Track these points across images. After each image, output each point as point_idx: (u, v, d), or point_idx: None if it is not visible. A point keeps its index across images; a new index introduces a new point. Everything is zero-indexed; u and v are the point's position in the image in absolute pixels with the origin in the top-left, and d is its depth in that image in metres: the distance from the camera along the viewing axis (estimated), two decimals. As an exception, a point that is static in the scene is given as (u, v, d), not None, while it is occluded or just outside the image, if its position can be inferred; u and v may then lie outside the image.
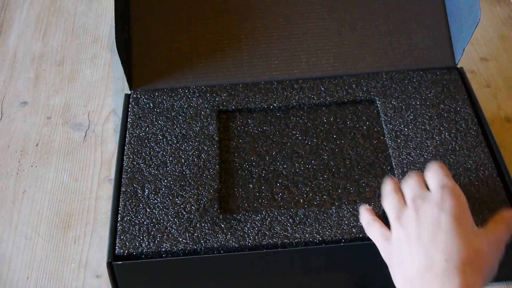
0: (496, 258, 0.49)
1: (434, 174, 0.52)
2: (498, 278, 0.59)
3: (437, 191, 0.50)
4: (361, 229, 0.56)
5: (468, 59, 0.80)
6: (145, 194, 0.60)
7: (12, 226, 0.66)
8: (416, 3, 0.73)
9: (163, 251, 0.56)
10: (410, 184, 0.53)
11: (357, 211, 0.58)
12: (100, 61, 0.82)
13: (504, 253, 0.50)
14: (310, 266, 0.57)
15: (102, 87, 0.79)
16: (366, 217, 0.55)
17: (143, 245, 0.56)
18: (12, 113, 0.77)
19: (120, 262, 0.56)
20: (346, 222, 0.57)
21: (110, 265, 0.55)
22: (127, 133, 0.66)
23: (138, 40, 0.72)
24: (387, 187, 0.55)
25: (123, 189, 0.61)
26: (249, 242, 0.56)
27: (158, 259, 0.56)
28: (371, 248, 0.56)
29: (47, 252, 0.64)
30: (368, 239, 0.56)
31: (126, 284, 0.57)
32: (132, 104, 0.68)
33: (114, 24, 0.66)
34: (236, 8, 0.74)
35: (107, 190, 0.68)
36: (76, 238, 0.65)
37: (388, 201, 0.53)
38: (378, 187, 0.60)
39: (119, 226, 0.58)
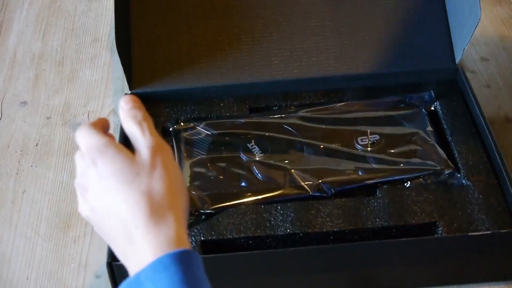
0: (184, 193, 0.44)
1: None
2: (498, 278, 0.60)
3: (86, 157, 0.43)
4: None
5: (468, 59, 0.80)
6: None
7: (12, 226, 0.66)
8: (416, 3, 0.73)
9: None
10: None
11: None
12: (100, 61, 0.82)
13: None
14: (310, 266, 0.57)
15: (102, 87, 0.79)
16: None
17: None
18: (12, 113, 0.77)
19: (120, 262, 0.55)
20: None
21: (110, 265, 0.55)
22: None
23: (138, 40, 0.72)
24: None
25: None
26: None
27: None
28: (371, 248, 0.56)
29: (47, 252, 0.63)
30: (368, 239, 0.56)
31: (126, 284, 0.57)
32: None
33: (114, 24, 0.66)
34: (236, 8, 0.74)
35: (107, 190, 0.68)
36: (76, 238, 0.64)
37: None
38: None
39: None
